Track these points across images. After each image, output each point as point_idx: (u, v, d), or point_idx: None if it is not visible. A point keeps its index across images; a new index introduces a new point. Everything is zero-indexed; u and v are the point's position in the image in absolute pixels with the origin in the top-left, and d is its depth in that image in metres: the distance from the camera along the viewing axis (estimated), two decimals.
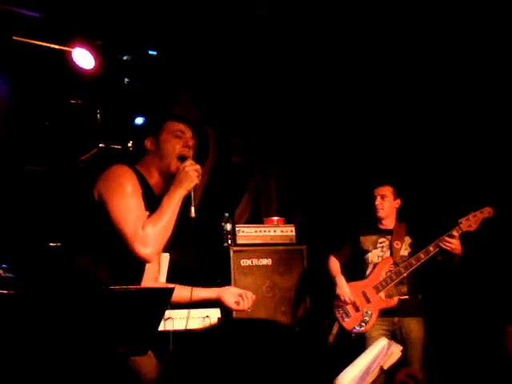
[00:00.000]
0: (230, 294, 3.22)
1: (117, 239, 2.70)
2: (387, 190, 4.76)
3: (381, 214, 4.74)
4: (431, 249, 4.41)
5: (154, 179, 2.94)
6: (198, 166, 2.87)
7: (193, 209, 2.90)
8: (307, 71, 5.73)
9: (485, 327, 4.64)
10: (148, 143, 2.99)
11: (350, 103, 5.80)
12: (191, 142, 2.99)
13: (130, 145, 5.32)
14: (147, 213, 2.76)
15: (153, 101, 5.53)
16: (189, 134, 3.01)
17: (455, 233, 4.32)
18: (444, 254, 4.40)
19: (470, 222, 4.33)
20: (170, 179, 2.88)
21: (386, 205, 4.73)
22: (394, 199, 4.77)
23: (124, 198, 2.69)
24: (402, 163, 5.39)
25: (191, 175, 2.82)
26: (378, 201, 4.74)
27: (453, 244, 4.32)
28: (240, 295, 3.19)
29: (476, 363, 4.60)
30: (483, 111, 4.80)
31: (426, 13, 4.64)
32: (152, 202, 2.80)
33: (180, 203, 2.78)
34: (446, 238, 4.33)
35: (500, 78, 4.66)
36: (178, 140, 2.96)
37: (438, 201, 5.03)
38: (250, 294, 3.22)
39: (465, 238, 4.36)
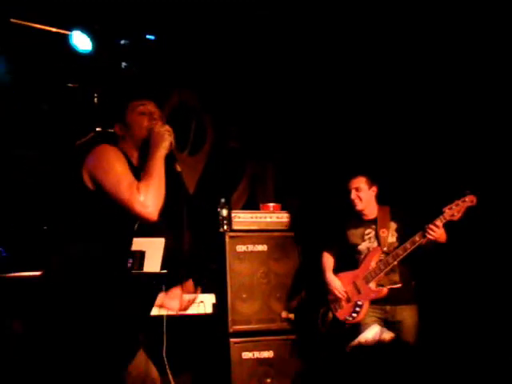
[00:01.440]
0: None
1: (113, 216, 2.73)
2: (360, 182, 4.70)
3: (359, 207, 4.70)
4: (417, 238, 4.38)
5: (135, 158, 3.00)
6: (167, 126, 2.94)
7: (177, 165, 2.95)
8: (303, 60, 5.74)
9: (480, 314, 4.66)
10: (117, 129, 3.04)
11: (340, 96, 5.82)
12: (156, 114, 3.04)
13: None
14: None
15: (151, 86, 5.53)
16: (151, 106, 3.05)
17: (439, 222, 4.29)
18: (429, 242, 4.39)
19: (453, 212, 4.28)
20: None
21: (363, 196, 4.70)
22: (370, 188, 4.72)
23: (113, 169, 2.75)
24: (380, 147, 5.38)
25: (163, 134, 2.89)
26: (354, 194, 4.68)
27: (437, 233, 4.28)
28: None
29: (472, 350, 4.62)
30: (469, 97, 4.79)
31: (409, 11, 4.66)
32: (137, 176, 2.85)
33: (163, 164, 2.84)
34: (431, 227, 4.30)
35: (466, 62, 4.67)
36: (142, 117, 3.00)
37: (420, 183, 5.02)
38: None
39: (451, 226, 4.35)
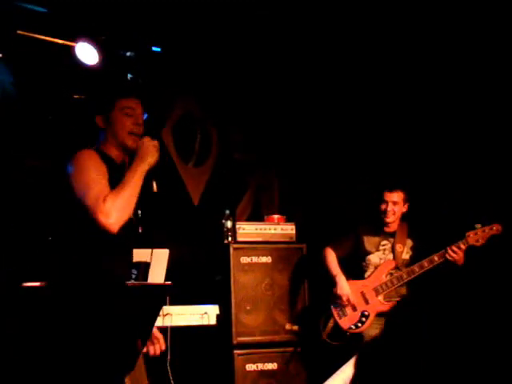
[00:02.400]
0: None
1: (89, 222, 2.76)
2: (399, 196, 4.67)
3: (390, 219, 4.68)
4: (436, 258, 4.40)
5: (114, 153, 3.02)
6: (155, 142, 2.97)
7: (154, 184, 2.98)
8: (311, 68, 5.73)
9: (484, 330, 4.63)
10: (99, 121, 3.06)
11: (353, 102, 5.80)
12: (141, 120, 3.06)
13: None
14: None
15: (155, 96, 5.55)
16: (139, 110, 3.07)
17: (462, 246, 4.32)
18: (446, 263, 4.40)
19: (477, 237, 4.32)
20: (130, 152, 3.01)
21: (397, 210, 4.68)
22: (404, 204, 4.71)
23: (85, 176, 2.78)
24: (405, 163, 5.37)
25: (151, 150, 2.92)
26: (390, 207, 4.65)
27: (457, 256, 4.32)
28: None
29: (475, 365, 4.59)
30: (499, 121, 4.76)
31: (427, 12, 4.63)
32: (117, 174, 2.89)
33: (142, 177, 2.87)
34: (454, 248, 4.32)
35: None
36: (127, 118, 3.02)
37: (440, 203, 5.01)
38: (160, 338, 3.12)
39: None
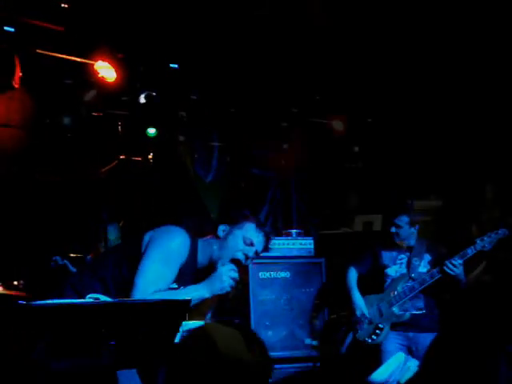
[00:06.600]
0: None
1: None
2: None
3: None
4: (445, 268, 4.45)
5: (204, 259, 2.95)
6: (236, 276, 2.88)
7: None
8: (321, 85, 5.76)
9: (500, 343, 4.61)
10: (221, 230, 3.00)
11: (360, 114, 5.82)
12: (253, 256, 2.99)
13: (150, 157, 5.38)
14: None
15: (170, 114, 5.58)
16: (257, 249, 3.00)
17: (458, 259, 4.37)
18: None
19: (484, 243, 4.38)
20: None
21: None
22: None
23: (157, 261, 2.74)
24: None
25: (225, 281, 2.83)
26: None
27: (455, 271, 4.37)
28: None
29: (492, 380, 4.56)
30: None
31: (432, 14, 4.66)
32: (187, 271, 2.84)
33: (198, 300, 2.81)
34: (449, 266, 4.37)
35: None
36: (243, 246, 2.95)
37: (457, 218, 5.02)
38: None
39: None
